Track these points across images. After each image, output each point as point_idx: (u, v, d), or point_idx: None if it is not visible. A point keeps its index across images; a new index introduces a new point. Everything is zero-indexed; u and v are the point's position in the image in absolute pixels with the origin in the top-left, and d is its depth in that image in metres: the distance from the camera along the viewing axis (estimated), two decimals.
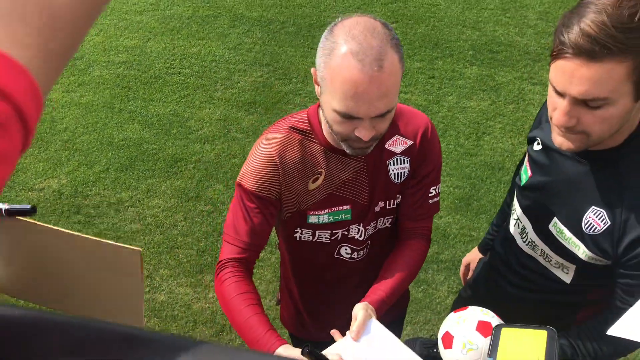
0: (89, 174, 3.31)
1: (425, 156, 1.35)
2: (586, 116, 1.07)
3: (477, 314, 1.21)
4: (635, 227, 1.13)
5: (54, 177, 3.30)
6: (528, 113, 3.56)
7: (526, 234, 1.37)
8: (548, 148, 1.29)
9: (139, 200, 3.15)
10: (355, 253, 1.43)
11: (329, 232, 1.37)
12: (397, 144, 1.33)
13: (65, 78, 3.98)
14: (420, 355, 2.43)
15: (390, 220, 1.42)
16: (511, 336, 1.04)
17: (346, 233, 1.39)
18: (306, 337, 1.68)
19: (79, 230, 2.99)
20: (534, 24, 4.28)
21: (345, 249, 1.42)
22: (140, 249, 1.05)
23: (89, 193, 3.20)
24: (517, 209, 1.40)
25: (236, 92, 3.81)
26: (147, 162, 3.36)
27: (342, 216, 1.35)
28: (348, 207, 1.34)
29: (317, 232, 1.38)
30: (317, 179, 1.31)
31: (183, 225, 3.02)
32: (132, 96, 3.82)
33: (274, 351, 1.19)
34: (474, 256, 1.81)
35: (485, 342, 1.16)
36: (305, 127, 1.30)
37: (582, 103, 1.05)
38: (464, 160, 3.27)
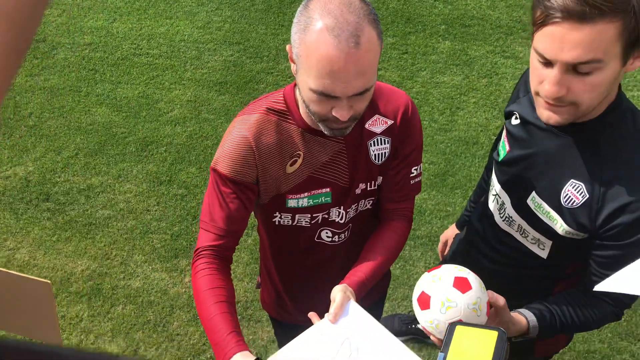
0: (57, 160, 3.21)
1: (406, 136, 1.31)
2: (577, 84, 1.05)
3: (452, 270, 1.17)
4: (614, 199, 1.13)
5: (21, 164, 3.21)
6: (501, 87, 3.56)
7: (504, 209, 1.36)
8: (526, 122, 1.28)
9: (109, 186, 3.08)
10: (337, 236, 1.40)
11: (309, 215, 1.34)
12: (377, 124, 1.29)
13: (28, 62, 3.84)
14: (399, 332, 2.46)
15: (371, 202, 1.39)
16: (464, 334, 1.05)
17: (326, 216, 1.35)
18: (288, 321, 1.66)
19: (48, 218, 2.93)
20: None
21: (326, 232, 1.39)
22: (49, 281, 0.99)
23: (58, 180, 3.12)
24: (495, 185, 1.39)
25: (206, 72, 3.73)
26: (117, 146, 3.28)
27: (322, 199, 1.31)
28: (328, 189, 1.30)
29: (297, 216, 1.34)
30: (295, 161, 1.27)
31: (156, 210, 2.97)
32: (99, 79, 3.71)
33: (230, 358, 1.14)
34: (451, 233, 1.81)
35: (464, 299, 1.12)
36: (282, 108, 1.26)
37: (572, 71, 1.03)
38: (439, 136, 3.26)
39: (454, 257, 1.68)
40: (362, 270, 1.30)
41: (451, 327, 1.09)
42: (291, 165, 1.27)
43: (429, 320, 1.16)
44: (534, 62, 1.09)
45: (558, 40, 1.00)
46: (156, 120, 3.42)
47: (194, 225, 2.89)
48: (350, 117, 1.13)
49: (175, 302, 2.61)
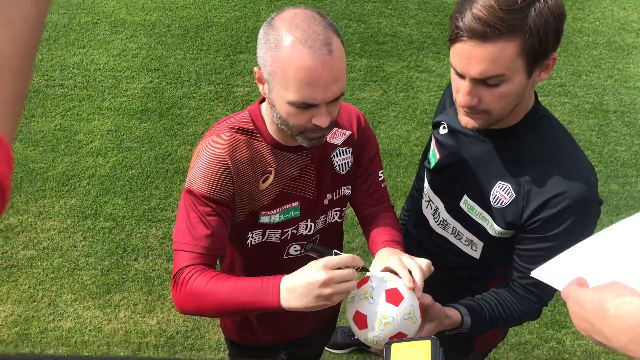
0: None
1: (365, 143, 1.39)
2: (486, 95, 1.15)
3: (381, 284, 1.16)
4: (537, 195, 1.23)
5: None
6: (418, 100, 3.73)
7: (438, 213, 1.45)
8: (454, 130, 1.38)
9: (30, 224, 2.94)
10: (304, 248, 1.43)
11: (279, 231, 1.37)
12: (337, 136, 1.36)
13: None
14: (343, 344, 2.49)
15: (338, 213, 1.44)
16: (400, 350, 1.08)
17: (295, 232, 1.39)
18: (251, 342, 1.65)
19: None
20: (415, 14, 4.48)
21: (294, 247, 1.42)
22: None
23: None
24: (428, 191, 1.48)
25: (126, 101, 3.65)
26: (36, 182, 3.14)
27: (291, 214, 1.35)
28: (297, 203, 1.34)
29: (267, 232, 1.36)
30: (267, 177, 1.30)
31: (83, 246, 2.86)
32: None
33: (279, 283, 1.12)
34: None
35: (399, 312, 1.13)
36: (249, 127, 1.28)
37: (482, 82, 1.13)
38: None
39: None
40: (385, 232, 1.38)
41: (387, 346, 1.10)
42: (264, 182, 1.29)
43: (369, 338, 1.17)
44: (452, 73, 1.19)
45: (466, 56, 1.11)
46: (76, 152, 3.31)
47: (124, 258, 2.80)
48: (329, 124, 1.18)
49: (111, 339, 2.52)
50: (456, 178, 1.38)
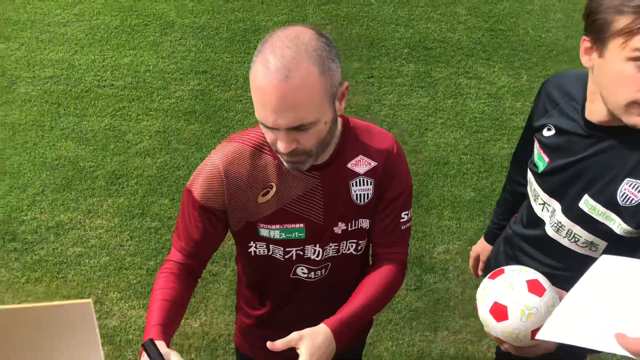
0: (23, 198, 3.11)
1: (391, 179, 1.30)
2: None
3: (520, 274, 1.13)
4: None
5: None
6: (467, 107, 3.65)
7: (554, 215, 1.39)
8: (562, 131, 1.32)
9: (80, 222, 3.00)
10: (312, 273, 1.38)
11: (282, 249, 1.33)
12: (361, 164, 1.29)
13: None
14: None
15: (354, 246, 1.36)
16: None
17: (301, 253, 1.34)
18: (260, 357, 1.61)
19: (16, 259, 2.82)
20: (464, 19, 4.40)
21: (302, 269, 1.38)
22: (90, 300, 0.96)
23: (25, 218, 3.01)
24: (541, 194, 1.41)
25: (174, 102, 3.69)
26: (86, 180, 3.20)
27: (295, 234, 1.31)
28: (301, 225, 1.30)
29: (271, 247, 1.34)
30: (267, 192, 1.27)
31: (130, 245, 2.89)
32: (62, 112, 3.63)
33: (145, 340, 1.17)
34: (481, 247, 1.82)
35: (543, 303, 1.10)
36: (261, 140, 1.27)
37: None
38: (410, 158, 3.26)
39: (494, 259, 1.70)
40: (346, 310, 1.28)
41: None
42: (263, 195, 1.27)
43: (507, 331, 1.12)
44: (629, 70, 1.10)
45: None
46: (125, 152, 3.36)
47: None
48: (296, 152, 1.13)
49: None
50: (573, 179, 1.31)
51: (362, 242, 1.37)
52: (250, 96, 3.62)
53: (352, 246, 1.36)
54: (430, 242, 2.88)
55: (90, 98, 3.73)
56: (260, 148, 1.26)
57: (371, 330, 2.52)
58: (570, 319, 1.02)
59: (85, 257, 2.84)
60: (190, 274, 1.34)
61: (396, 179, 1.31)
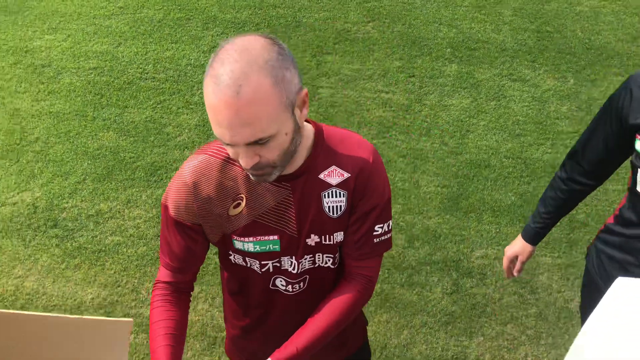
0: (65, 186, 3.17)
1: (365, 192, 1.24)
2: None
3: None
4: None
5: (28, 190, 3.16)
6: (510, 110, 3.57)
7: None
8: None
9: (119, 212, 3.04)
10: (290, 286, 1.34)
11: (258, 262, 1.30)
12: (333, 176, 1.23)
13: (34, 86, 3.82)
14: None
15: (331, 259, 1.32)
16: None
17: (278, 265, 1.30)
18: None
19: (57, 245, 2.87)
20: (509, 20, 4.30)
21: (280, 281, 1.34)
22: (131, 319, 0.96)
23: (66, 205, 3.07)
24: None
25: None
26: (125, 171, 3.24)
27: (269, 247, 1.27)
28: (276, 237, 1.26)
29: (247, 259, 1.30)
30: (238, 204, 1.24)
31: None
32: (105, 103, 3.69)
33: None
34: (520, 248, 1.74)
35: None
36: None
37: None
38: (450, 159, 3.25)
39: (599, 271, 1.62)
40: (296, 343, 1.26)
41: None
42: (234, 207, 1.24)
43: None
44: None
45: None
46: (164, 144, 3.40)
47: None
48: (259, 165, 1.09)
49: (189, 330, 2.54)
50: None
51: (335, 255, 1.33)
52: None
53: (328, 260, 1.32)
54: (469, 246, 2.82)
55: (132, 90, 3.78)
56: (230, 159, 1.22)
57: (405, 332, 2.50)
58: (594, 353, 0.95)
59: (123, 246, 2.88)
60: (182, 292, 1.33)
61: (370, 192, 1.25)
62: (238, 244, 1.27)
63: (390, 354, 2.44)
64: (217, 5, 4.52)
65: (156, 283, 1.33)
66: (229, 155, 1.19)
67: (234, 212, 1.24)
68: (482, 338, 2.50)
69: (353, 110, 3.59)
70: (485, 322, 2.55)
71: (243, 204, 1.23)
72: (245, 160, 1.07)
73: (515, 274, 1.80)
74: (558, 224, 2.87)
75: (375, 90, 3.73)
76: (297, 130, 1.11)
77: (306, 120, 1.23)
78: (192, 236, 1.27)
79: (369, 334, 2.50)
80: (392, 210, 2.95)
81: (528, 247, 1.73)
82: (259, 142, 1.04)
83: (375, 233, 1.28)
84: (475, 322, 2.55)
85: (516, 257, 1.76)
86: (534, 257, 2.78)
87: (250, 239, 1.25)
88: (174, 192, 1.24)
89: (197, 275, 1.37)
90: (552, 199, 1.66)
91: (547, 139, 3.39)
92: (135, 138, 3.44)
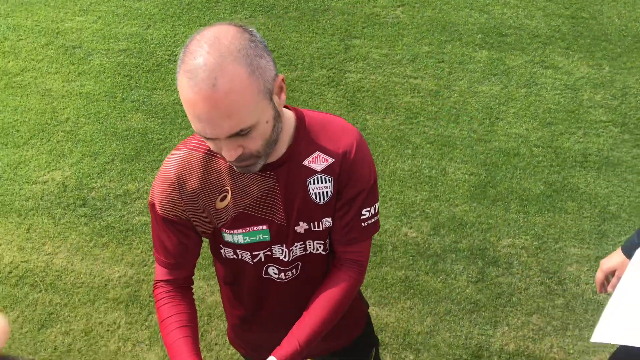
0: (94, 166, 3.22)
1: (350, 176, 1.22)
2: None
3: None
4: None
5: (58, 169, 3.21)
6: (541, 97, 3.49)
7: None
8: None
9: (146, 192, 3.07)
10: (283, 274, 1.34)
11: (249, 253, 1.29)
12: (318, 161, 1.21)
13: (65, 67, 3.87)
14: None
15: (322, 246, 1.31)
16: None
17: (269, 254, 1.29)
18: (254, 358, 1.60)
19: (85, 224, 2.92)
20: (543, 6, 4.19)
21: (273, 269, 1.33)
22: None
23: (95, 185, 3.12)
24: None
25: None
26: (153, 152, 3.27)
27: (259, 237, 1.26)
28: (265, 227, 1.24)
29: (238, 251, 1.29)
30: (225, 197, 1.22)
31: None
32: (134, 85, 3.72)
33: None
34: (618, 263, 1.57)
35: None
36: None
37: None
38: (478, 147, 3.20)
39: None
40: (297, 336, 1.25)
41: None
42: (221, 200, 1.22)
43: None
44: None
45: None
46: (191, 127, 3.41)
47: None
48: (242, 156, 1.07)
49: (213, 310, 2.58)
50: None
51: (325, 241, 1.32)
52: (316, 77, 3.60)
53: (319, 246, 1.31)
54: (495, 235, 2.79)
55: (161, 72, 3.80)
56: (212, 152, 1.20)
57: (428, 320, 2.48)
58: (623, 318, 0.93)
59: (149, 226, 2.91)
60: (183, 288, 1.33)
61: (356, 177, 1.23)
62: (228, 237, 1.26)
63: (413, 341, 2.43)
64: None
65: (155, 283, 1.32)
66: (210, 147, 1.17)
67: (220, 205, 1.22)
68: (506, 328, 2.47)
69: (380, 95, 3.55)
70: (511, 311, 2.52)
71: (229, 196, 1.21)
72: (228, 153, 1.05)
73: (609, 289, 1.62)
74: (588, 215, 2.83)
75: (404, 76, 3.68)
76: (278, 117, 1.09)
77: (285, 107, 1.20)
78: (183, 231, 1.26)
79: (391, 319, 2.50)
80: (418, 198, 2.93)
81: (627, 263, 1.54)
82: (240, 134, 1.02)
83: (362, 217, 1.27)
84: (500, 311, 2.52)
85: (613, 272, 1.60)
86: (563, 248, 2.73)
87: (239, 230, 1.24)
88: (159, 190, 1.22)
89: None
90: None
91: (579, 128, 3.31)
92: (163, 120, 3.47)
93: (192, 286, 1.36)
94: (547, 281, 2.61)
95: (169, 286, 1.30)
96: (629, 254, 1.54)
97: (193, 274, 1.36)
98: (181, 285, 1.32)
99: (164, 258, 1.28)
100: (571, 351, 2.40)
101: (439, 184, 3.03)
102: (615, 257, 1.58)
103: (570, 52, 3.80)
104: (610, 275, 1.60)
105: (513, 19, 4.10)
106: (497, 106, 3.45)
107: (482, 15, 4.14)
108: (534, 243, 2.76)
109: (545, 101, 3.46)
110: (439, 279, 2.63)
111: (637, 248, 1.49)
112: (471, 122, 3.35)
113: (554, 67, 3.70)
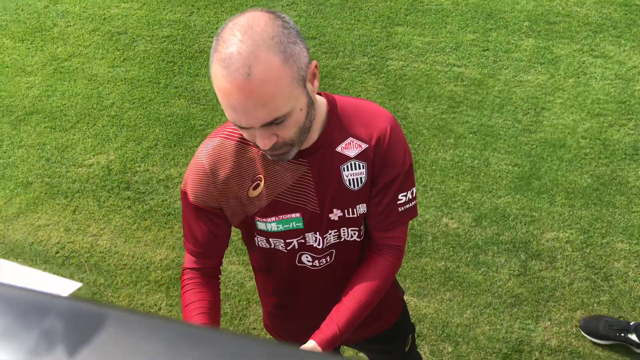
0: (137, 150, 3.28)
1: (385, 162, 1.20)
2: None
3: None
4: None
5: (103, 152, 3.29)
6: (590, 87, 3.38)
7: None
8: None
9: None
10: (317, 261, 1.33)
11: (283, 241, 1.28)
12: (351, 147, 1.19)
13: (110, 53, 3.95)
14: (604, 336, 2.29)
15: (356, 232, 1.30)
16: None
17: (303, 241, 1.28)
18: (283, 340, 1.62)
19: (129, 207, 2.98)
20: None
21: (306, 257, 1.32)
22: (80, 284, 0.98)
23: (138, 169, 3.18)
24: None
25: None
26: (195, 138, 3.31)
27: (292, 224, 1.25)
28: (298, 214, 1.24)
29: (271, 240, 1.29)
30: (257, 185, 1.21)
31: None
32: (177, 71, 3.77)
33: None
34: None
35: None
36: None
37: None
38: (523, 137, 3.13)
39: None
40: (336, 321, 1.24)
41: None
42: (254, 189, 1.22)
43: None
44: None
45: None
46: None
47: None
48: (276, 145, 1.06)
49: (251, 295, 2.61)
50: None
51: (360, 228, 1.30)
52: (357, 65, 3.56)
53: (354, 233, 1.30)
54: (539, 228, 2.72)
55: (203, 59, 3.84)
56: (245, 140, 1.19)
57: (468, 312, 2.44)
58: None
59: None
60: (210, 277, 1.33)
61: (391, 162, 1.21)
62: (261, 225, 1.26)
63: (452, 333, 2.40)
64: None
65: (183, 270, 1.34)
66: (242, 136, 1.17)
67: (253, 193, 1.22)
68: (549, 323, 2.42)
69: (422, 83, 3.50)
70: (553, 306, 2.46)
71: (262, 184, 1.21)
72: (262, 142, 1.05)
73: None
74: (638, 209, 2.73)
75: (447, 64, 3.62)
76: (311, 104, 1.08)
77: (317, 93, 1.19)
78: (214, 220, 1.26)
79: (430, 310, 2.47)
80: (460, 188, 2.89)
81: None
82: (274, 122, 1.02)
83: (399, 202, 1.26)
84: (543, 306, 2.47)
85: None
86: (610, 243, 2.65)
87: (273, 218, 1.24)
88: (192, 178, 1.23)
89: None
90: None
91: (630, 119, 3.19)
92: (205, 106, 3.50)
93: (219, 275, 1.37)
94: (593, 277, 2.54)
95: (195, 273, 1.31)
96: None
97: (221, 264, 1.37)
98: (208, 274, 1.33)
99: (193, 246, 1.29)
100: (616, 348, 2.33)
101: (482, 174, 2.97)
102: None
103: (622, 41, 3.66)
104: None
105: (562, 6, 3.97)
106: (543, 96, 3.35)
107: (529, 3, 4.02)
108: (580, 237, 2.68)
109: (595, 91, 3.35)
110: (479, 272, 2.59)
111: None
112: (516, 112, 3.26)
113: (605, 56, 3.57)
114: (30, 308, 0.27)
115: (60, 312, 0.26)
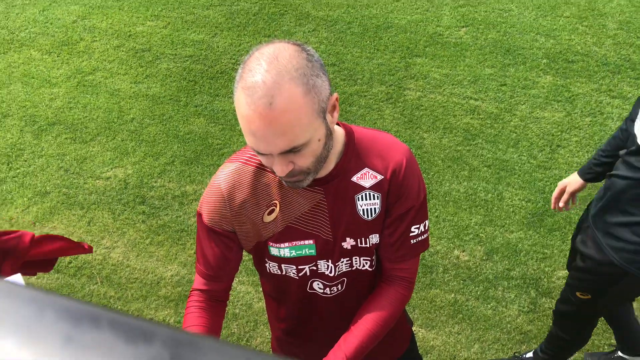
0: (155, 166, 3.32)
1: (400, 194, 1.23)
2: None
3: None
4: None
5: (121, 166, 3.34)
6: (606, 127, 3.39)
7: None
8: None
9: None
10: (328, 289, 1.34)
11: (295, 267, 1.29)
12: (366, 178, 1.22)
13: (133, 69, 4.03)
14: None
15: (368, 262, 1.31)
16: None
17: (315, 268, 1.30)
18: None
19: (143, 221, 3.02)
20: (614, 33, 4.09)
21: (318, 284, 1.33)
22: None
23: (154, 184, 3.22)
24: None
25: None
26: (212, 156, 3.36)
27: (305, 251, 1.26)
28: (311, 241, 1.25)
29: (283, 266, 1.30)
30: (272, 210, 1.23)
31: None
32: (198, 90, 3.83)
33: None
34: (570, 180, 1.94)
35: None
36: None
37: None
38: (537, 174, 3.14)
39: (615, 204, 1.68)
40: (344, 349, 1.25)
41: None
42: (269, 214, 1.24)
43: None
44: None
45: None
46: None
47: None
48: (293, 172, 1.09)
49: (259, 317, 2.61)
50: None
51: (372, 258, 1.32)
52: (375, 93, 3.61)
53: (366, 263, 1.31)
54: (550, 265, 2.71)
55: (224, 79, 3.90)
56: (262, 166, 1.22)
57: (475, 346, 2.43)
58: None
59: None
60: (216, 301, 1.34)
61: (405, 194, 1.23)
62: (274, 250, 1.27)
63: None
64: (310, 2, 4.58)
65: (192, 291, 1.35)
66: (261, 162, 1.20)
67: (268, 218, 1.24)
68: None
69: (439, 114, 3.53)
70: None
71: (277, 209, 1.23)
72: (279, 168, 1.08)
73: (561, 204, 1.99)
74: None
75: (464, 97, 3.65)
76: (329, 135, 1.11)
77: (336, 123, 1.22)
78: (227, 244, 1.28)
79: (438, 342, 2.46)
80: (472, 221, 2.89)
81: (579, 180, 1.92)
82: (293, 150, 1.04)
83: (412, 234, 1.27)
84: None
85: (564, 189, 1.95)
86: None
87: (286, 244, 1.26)
88: (208, 201, 1.25)
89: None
90: (612, 139, 1.81)
91: None
92: (224, 126, 3.55)
93: (226, 301, 1.38)
94: (602, 318, 2.52)
95: (202, 297, 1.32)
96: (581, 172, 1.92)
97: (230, 288, 1.38)
98: (215, 298, 1.34)
99: (204, 268, 1.30)
100: None
101: (495, 208, 2.98)
102: (571, 177, 1.97)
103: None
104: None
105: (581, 46, 4.01)
106: (559, 133, 3.37)
107: (549, 40, 4.07)
108: None
109: (611, 131, 3.36)
110: (489, 306, 2.58)
111: (587, 165, 1.89)
112: (531, 147, 3.28)
113: (622, 97, 3.59)
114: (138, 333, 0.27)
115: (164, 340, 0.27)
